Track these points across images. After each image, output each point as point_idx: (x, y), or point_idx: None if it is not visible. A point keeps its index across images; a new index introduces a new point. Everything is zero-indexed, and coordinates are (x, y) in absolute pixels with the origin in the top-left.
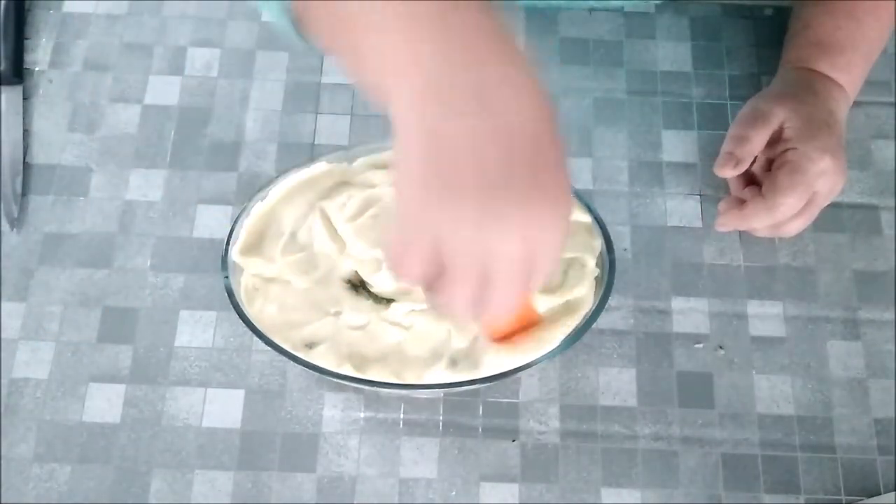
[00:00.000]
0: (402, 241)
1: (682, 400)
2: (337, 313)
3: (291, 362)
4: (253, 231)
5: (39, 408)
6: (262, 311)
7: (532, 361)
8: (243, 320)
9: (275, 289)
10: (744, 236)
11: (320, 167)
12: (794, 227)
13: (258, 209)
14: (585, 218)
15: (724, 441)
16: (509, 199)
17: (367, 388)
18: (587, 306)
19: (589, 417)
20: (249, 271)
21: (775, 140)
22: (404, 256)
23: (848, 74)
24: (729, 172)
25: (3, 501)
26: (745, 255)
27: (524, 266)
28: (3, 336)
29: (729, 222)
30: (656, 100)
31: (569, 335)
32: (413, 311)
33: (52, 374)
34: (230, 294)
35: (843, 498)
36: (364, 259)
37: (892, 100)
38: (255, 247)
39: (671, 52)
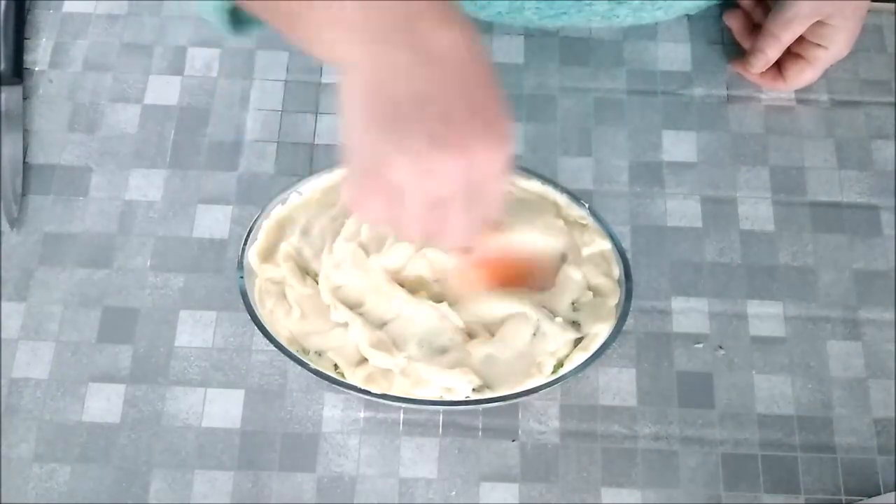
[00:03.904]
0: (357, 185)
1: (682, 400)
2: (345, 324)
3: (292, 363)
4: (270, 235)
5: (39, 408)
6: (272, 313)
7: (535, 388)
8: (258, 326)
9: (282, 291)
10: (744, 236)
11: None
12: (807, 79)
13: (277, 212)
14: (606, 245)
15: (724, 441)
16: (447, 128)
17: (375, 399)
18: (600, 341)
19: (589, 417)
20: (262, 276)
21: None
22: (362, 198)
23: None
24: (758, 69)
25: (3, 501)
26: (745, 255)
27: (470, 190)
28: (3, 336)
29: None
30: (656, 100)
31: (577, 366)
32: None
33: (52, 374)
34: (244, 296)
35: (843, 498)
36: (357, 286)
37: (892, 100)
38: (272, 251)
39: (671, 52)
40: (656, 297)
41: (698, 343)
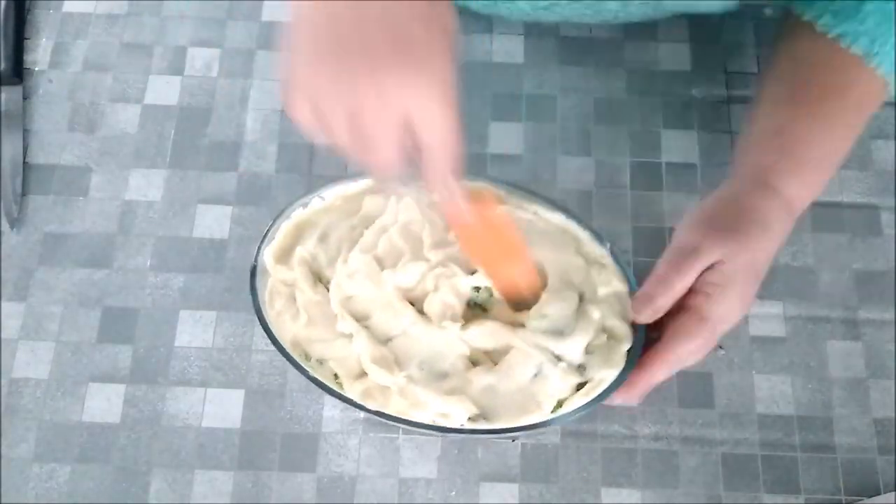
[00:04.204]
0: (289, 92)
1: (682, 400)
2: (350, 335)
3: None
4: (288, 237)
5: (39, 408)
6: (280, 314)
7: (530, 425)
8: (263, 326)
9: (293, 294)
10: None
11: (367, 183)
12: (693, 361)
13: (298, 215)
14: (622, 287)
15: (724, 441)
16: (362, 60)
17: (372, 416)
18: (603, 387)
19: (589, 417)
20: (275, 276)
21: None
22: (292, 104)
23: (812, 193)
24: (645, 319)
25: (3, 501)
26: None
27: (398, 121)
28: (3, 336)
29: (634, 391)
30: (656, 100)
31: (575, 409)
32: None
33: (52, 374)
34: (254, 294)
35: (843, 498)
36: (367, 299)
37: (893, 100)
38: (288, 253)
39: (671, 52)
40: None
41: None
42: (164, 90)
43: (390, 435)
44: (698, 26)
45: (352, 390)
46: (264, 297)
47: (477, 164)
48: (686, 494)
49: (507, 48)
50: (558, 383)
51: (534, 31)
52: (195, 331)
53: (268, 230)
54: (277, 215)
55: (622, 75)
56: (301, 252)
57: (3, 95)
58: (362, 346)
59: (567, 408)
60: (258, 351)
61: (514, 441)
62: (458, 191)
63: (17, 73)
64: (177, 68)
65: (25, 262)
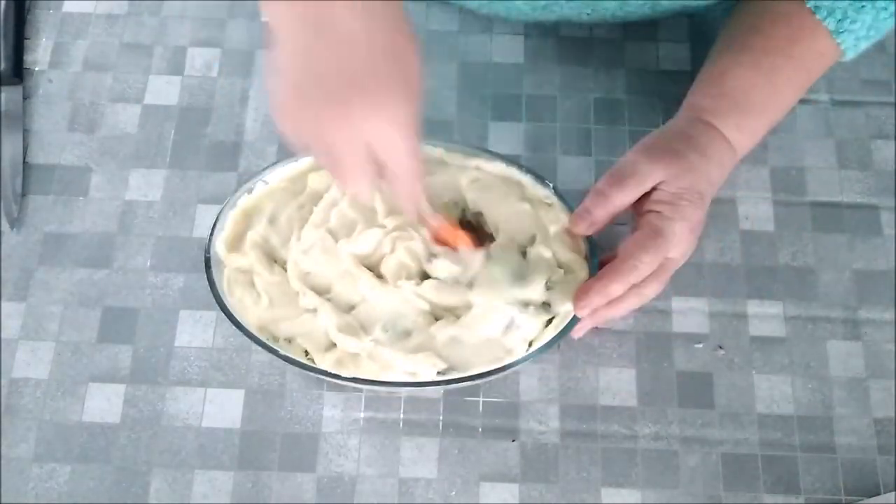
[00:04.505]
0: (277, 116)
1: (682, 400)
2: (314, 310)
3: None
4: (238, 224)
5: (39, 408)
6: (241, 301)
7: (501, 367)
8: (227, 315)
9: (251, 280)
10: (744, 236)
11: (309, 162)
12: (652, 291)
13: (244, 202)
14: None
15: (724, 441)
16: (336, 96)
17: (343, 382)
18: (569, 317)
19: (589, 417)
20: (230, 265)
21: (643, 197)
22: (281, 126)
23: (749, 138)
24: (582, 230)
25: (3, 501)
26: (745, 255)
27: (364, 150)
28: (3, 336)
29: (589, 297)
30: (656, 100)
31: (545, 344)
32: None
33: (52, 374)
34: (212, 286)
35: (843, 498)
36: (325, 272)
37: (892, 100)
38: (239, 240)
39: (671, 52)
40: (656, 297)
41: (698, 343)
42: (164, 90)
43: (390, 435)
44: (698, 26)
45: (323, 362)
46: (223, 287)
47: None
48: (686, 494)
49: (507, 48)
50: (531, 327)
51: (534, 31)
52: (195, 331)
53: (216, 221)
54: (223, 205)
55: (622, 75)
56: (252, 236)
57: (3, 95)
58: (327, 317)
59: (536, 345)
60: (258, 351)
61: (514, 441)
62: (426, 208)
63: (17, 73)
64: (177, 68)
65: (25, 262)
